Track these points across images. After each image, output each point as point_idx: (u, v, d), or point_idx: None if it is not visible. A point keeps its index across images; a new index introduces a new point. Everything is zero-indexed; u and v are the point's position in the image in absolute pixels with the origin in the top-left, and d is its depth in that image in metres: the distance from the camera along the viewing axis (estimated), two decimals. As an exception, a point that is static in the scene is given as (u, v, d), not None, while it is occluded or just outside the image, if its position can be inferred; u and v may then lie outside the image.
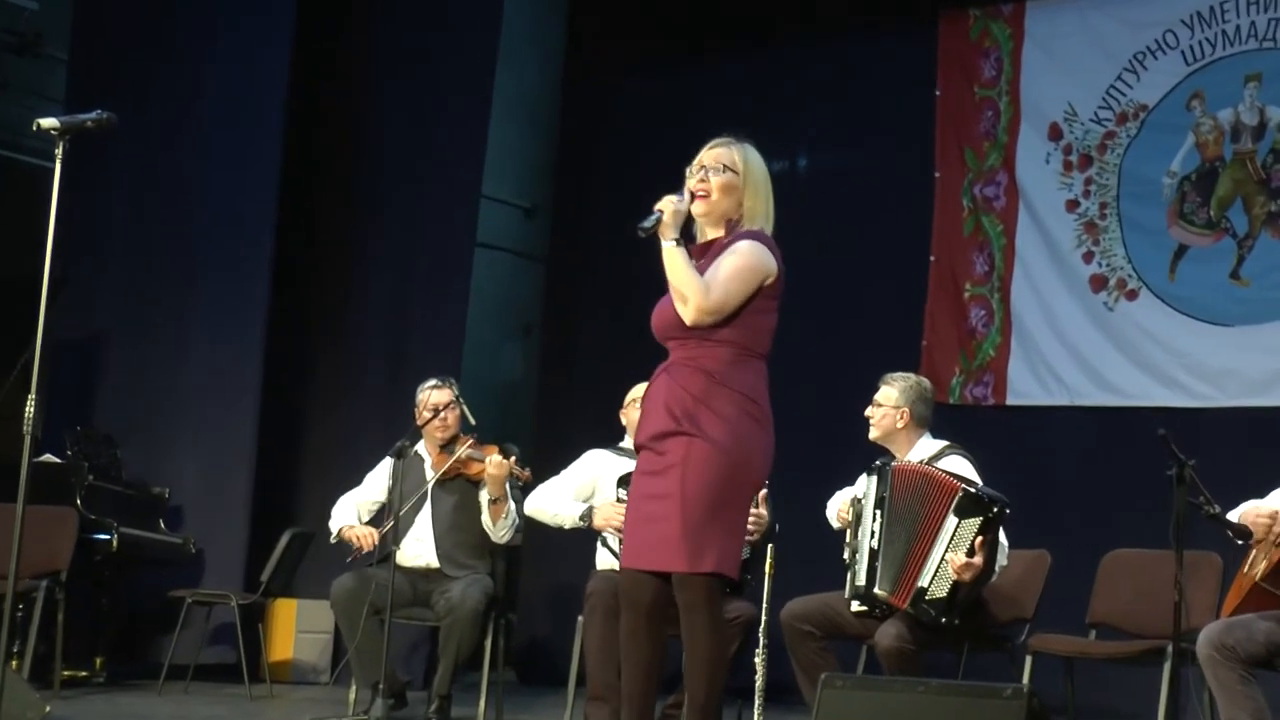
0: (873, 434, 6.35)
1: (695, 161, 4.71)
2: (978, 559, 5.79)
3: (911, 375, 6.43)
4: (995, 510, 5.83)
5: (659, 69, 9.97)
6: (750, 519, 6.13)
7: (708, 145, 4.73)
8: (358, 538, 7.05)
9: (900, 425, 6.32)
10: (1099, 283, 8.40)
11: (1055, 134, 8.61)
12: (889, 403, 6.33)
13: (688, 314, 4.50)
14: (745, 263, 4.54)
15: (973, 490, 5.87)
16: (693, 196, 4.63)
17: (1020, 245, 8.63)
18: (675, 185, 4.86)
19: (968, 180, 8.80)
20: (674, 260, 4.52)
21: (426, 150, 9.37)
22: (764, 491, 6.24)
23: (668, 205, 4.53)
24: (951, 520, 5.83)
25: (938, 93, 8.96)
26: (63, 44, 9.54)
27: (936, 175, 8.89)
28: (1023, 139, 8.69)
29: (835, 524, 6.38)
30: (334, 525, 7.25)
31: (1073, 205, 8.53)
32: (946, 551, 5.82)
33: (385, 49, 9.56)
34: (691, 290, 4.48)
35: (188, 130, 9.10)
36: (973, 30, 8.93)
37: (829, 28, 9.28)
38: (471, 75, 9.33)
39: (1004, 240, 8.66)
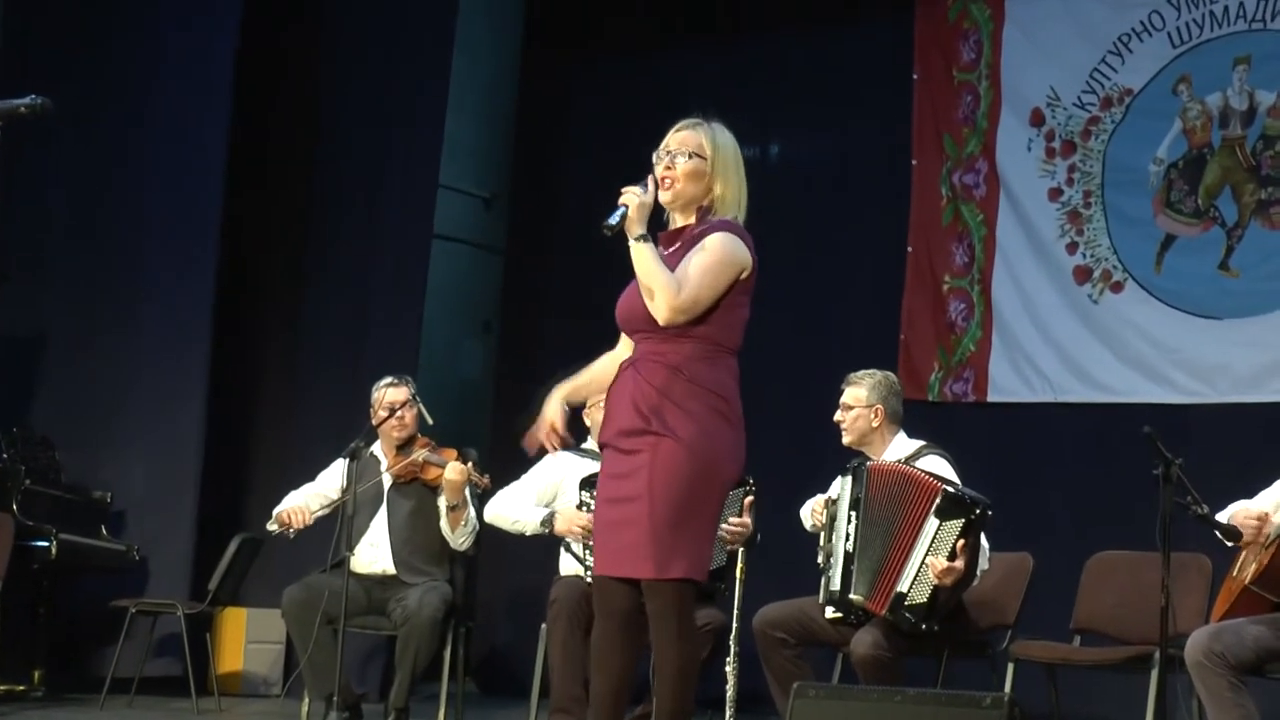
0: (846, 439, 6.36)
1: (662, 144, 4.67)
2: (959, 563, 5.82)
3: (876, 371, 6.45)
4: (978, 512, 5.86)
5: (623, 53, 9.97)
6: (734, 526, 6.15)
7: (675, 127, 4.69)
8: (288, 513, 7.02)
9: (875, 424, 6.33)
10: (1083, 274, 8.43)
11: (1037, 119, 8.64)
12: (859, 403, 6.34)
13: (659, 313, 4.48)
14: (718, 257, 4.52)
15: (954, 491, 5.90)
16: (657, 185, 4.60)
17: (1001, 235, 8.64)
18: (639, 174, 4.85)
19: (946, 168, 8.82)
20: (642, 258, 4.49)
21: (382, 139, 9.38)
22: (749, 498, 6.26)
23: (632, 199, 4.49)
24: (932, 522, 5.85)
25: (915, 77, 8.96)
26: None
27: (914, 163, 8.90)
28: (1003, 125, 8.71)
29: (809, 525, 6.40)
30: (278, 506, 7.21)
31: (1055, 194, 8.55)
32: (927, 555, 5.84)
33: (338, 36, 9.56)
34: (662, 288, 4.46)
35: (132, 121, 9.07)
36: (951, 12, 8.94)
37: (802, 9, 9.29)
38: (428, 61, 9.33)
39: (984, 230, 8.68)
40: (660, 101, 9.22)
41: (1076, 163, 8.53)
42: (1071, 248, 8.47)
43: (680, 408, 4.49)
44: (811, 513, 6.38)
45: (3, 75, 9.15)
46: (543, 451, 6.85)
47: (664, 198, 4.61)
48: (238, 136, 9.02)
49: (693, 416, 4.48)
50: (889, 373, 6.49)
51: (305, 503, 7.14)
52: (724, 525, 6.04)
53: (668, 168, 4.61)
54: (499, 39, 10.64)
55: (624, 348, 4.79)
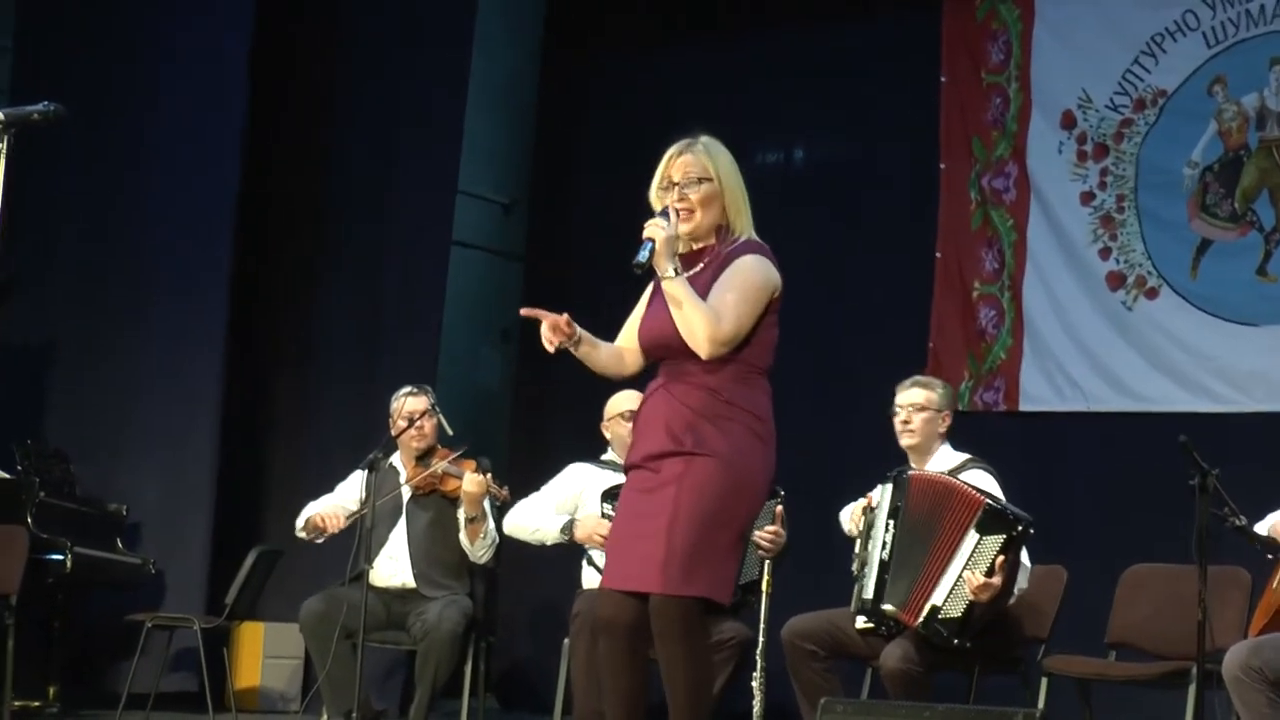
0: (909, 441, 6.39)
1: (659, 173, 4.68)
2: (996, 579, 5.82)
3: (935, 379, 6.50)
4: (1019, 529, 5.86)
5: (644, 55, 9.97)
6: (768, 535, 6.16)
7: (668, 154, 4.69)
8: (323, 518, 7.05)
9: (941, 430, 6.43)
10: (1116, 280, 8.41)
11: (1068, 122, 8.62)
12: (932, 405, 6.40)
13: (702, 348, 4.51)
14: (753, 282, 4.57)
15: (996, 505, 5.90)
16: (678, 212, 4.60)
17: (1032, 241, 8.62)
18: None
19: (975, 172, 8.80)
20: (678, 294, 4.51)
21: (398, 143, 9.39)
22: (780, 508, 6.27)
23: (657, 233, 4.49)
24: (972, 536, 5.86)
25: (943, 79, 8.94)
26: (7, 30, 9.54)
27: (942, 167, 8.88)
28: (1034, 128, 8.69)
29: (847, 528, 6.41)
30: (300, 521, 7.24)
31: (1088, 198, 8.53)
32: (964, 569, 5.85)
33: (353, 37, 9.58)
34: (703, 323, 4.49)
35: (143, 125, 9.12)
36: (979, 11, 8.93)
37: (825, 9, 9.28)
38: (445, 63, 9.34)
39: (1014, 235, 8.66)
40: (684, 103, 9.24)
41: (1109, 166, 8.51)
42: (1104, 253, 8.46)
43: (716, 426, 4.53)
44: (851, 516, 6.39)
45: (14, 79, 9.24)
46: (562, 461, 6.97)
47: (683, 229, 4.62)
48: (251, 141, 9.05)
49: (729, 435, 4.52)
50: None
51: (337, 507, 7.16)
52: (758, 535, 6.07)
53: (681, 199, 4.62)
54: (517, 38, 10.65)
55: (626, 347, 4.81)
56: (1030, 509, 6.05)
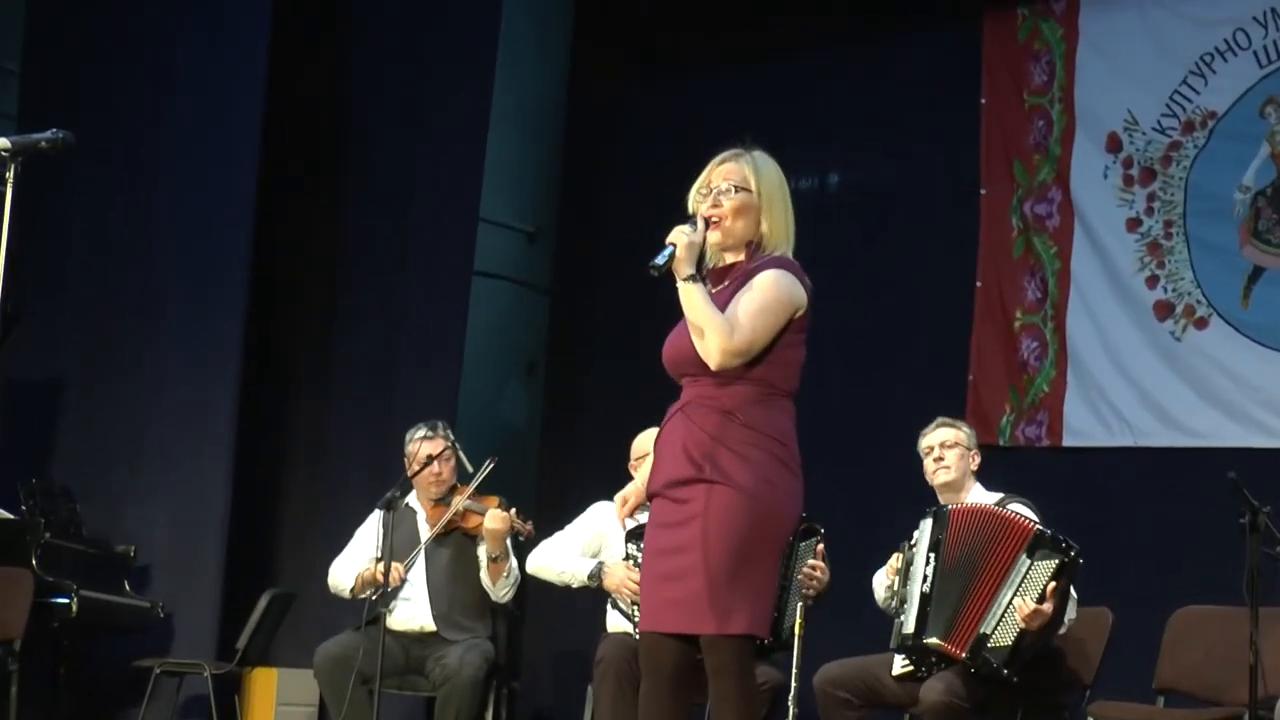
0: (945, 477, 6.44)
1: (701, 178, 4.70)
2: (1047, 606, 5.84)
3: (959, 420, 6.66)
4: (1072, 554, 5.88)
5: (675, 76, 9.99)
6: (814, 573, 6.17)
7: (714, 160, 4.71)
8: (378, 575, 7.04)
9: (974, 467, 6.49)
10: (1164, 310, 8.39)
11: (1114, 145, 8.62)
12: (962, 443, 6.47)
13: (711, 357, 4.49)
14: (772, 295, 4.55)
15: (1048, 531, 5.92)
16: (706, 223, 4.61)
17: (1076, 269, 8.60)
18: (688, 204, 4.87)
19: (1017, 197, 8.80)
20: (692, 299, 4.50)
21: (418, 169, 9.43)
22: (820, 546, 6.28)
23: (680, 238, 4.50)
24: (1023, 561, 5.89)
25: (983, 101, 8.95)
26: (14, 55, 9.61)
27: (982, 192, 8.88)
28: (1078, 151, 8.68)
29: (881, 596, 6.41)
30: (343, 582, 7.27)
31: (1134, 224, 8.52)
32: (1014, 595, 5.86)
33: (371, 59, 9.62)
34: (714, 330, 4.47)
35: (153, 153, 9.16)
36: (1021, 31, 8.94)
37: (861, 29, 9.29)
38: (468, 86, 9.37)
39: (1058, 263, 8.65)
40: (717, 125, 9.13)
41: (1156, 191, 8.50)
42: (1152, 281, 8.44)
43: (736, 453, 4.50)
44: (887, 571, 6.39)
45: (21, 105, 9.30)
46: (590, 499, 6.98)
47: (713, 238, 4.63)
48: (266, 168, 9.09)
49: (750, 462, 4.49)
50: None
51: (370, 562, 7.19)
52: (802, 574, 6.07)
53: (714, 205, 4.63)
54: (543, 59, 10.67)
55: None
56: (1075, 547, 6.04)
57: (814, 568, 6.23)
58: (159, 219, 9.14)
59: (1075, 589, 6.14)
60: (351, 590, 7.28)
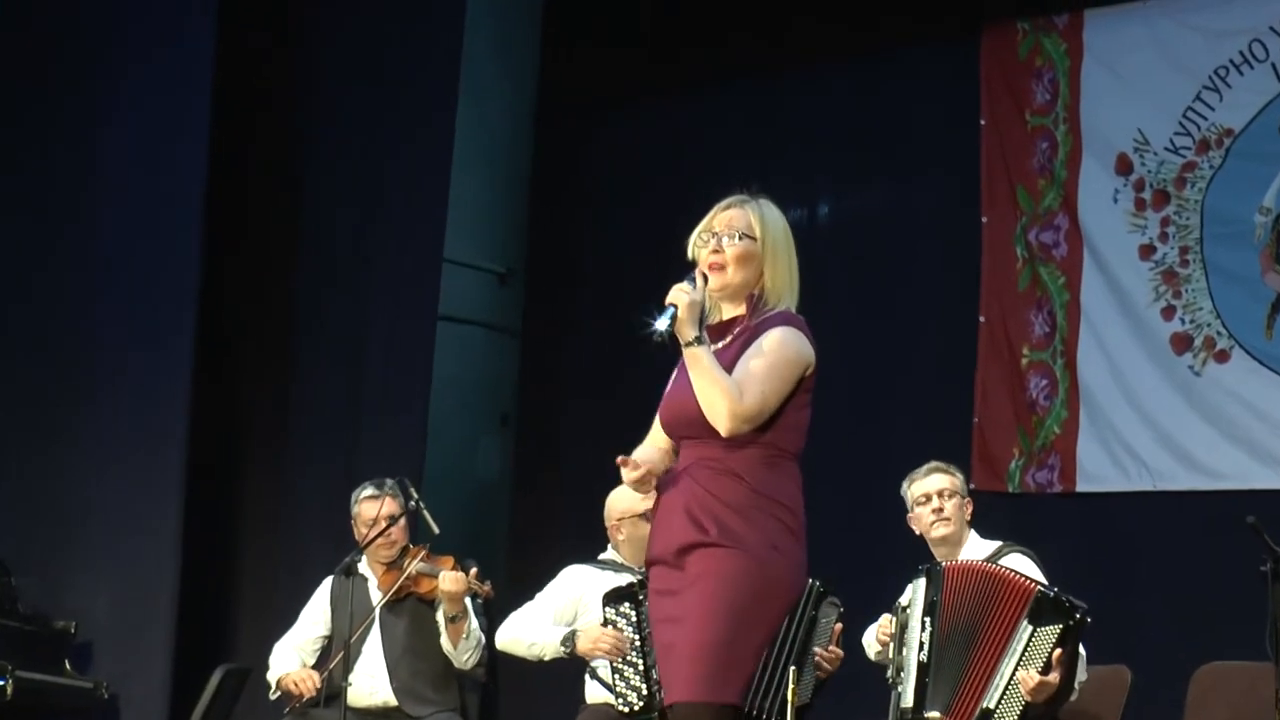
0: (945, 530, 6.45)
1: (703, 224, 4.77)
2: (1054, 676, 5.81)
3: (949, 464, 6.57)
4: (1078, 617, 5.84)
5: (652, 106, 10.00)
6: (829, 656, 6.16)
7: (717, 206, 4.80)
8: (295, 683, 7.10)
9: (968, 515, 6.50)
10: (1182, 343, 8.39)
11: (1124, 167, 8.64)
12: (959, 490, 6.50)
13: (722, 423, 4.55)
14: (782, 356, 4.62)
15: (1050, 592, 5.89)
16: (705, 277, 4.67)
17: (1086, 300, 8.62)
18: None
19: (1021, 225, 8.81)
20: (699, 364, 4.56)
21: (378, 207, 9.45)
22: (839, 625, 6.27)
23: (681, 298, 4.57)
24: (1024, 628, 5.86)
25: (982, 122, 8.97)
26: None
27: (984, 220, 8.90)
28: (1085, 174, 8.70)
29: (873, 653, 6.40)
30: (271, 676, 7.30)
31: (1148, 251, 8.53)
32: (1017, 666, 5.83)
33: (326, 90, 9.64)
34: (725, 396, 4.53)
35: (91, 191, 9.16)
36: (1022, 47, 8.96)
37: (850, 49, 9.31)
38: (429, 116, 9.40)
39: (1066, 295, 8.66)
40: (696, 158, 9.29)
41: (1170, 215, 8.51)
42: (1168, 312, 8.44)
43: (743, 517, 4.57)
44: (877, 634, 6.38)
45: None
46: (563, 561, 6.97)
47: (713, 285, 4.70)
48: (213, 206, 9.09)
49: (758, 527, 4.57)
50: None
51: (299, 658, 7.28)
52: (819, 655, 6.10)
53: (715, 251, 4.70)
54: (510, 89, 10.68)
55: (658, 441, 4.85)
56: (1090, 601, 6.01)
57: (834, 654, 6.20)
58: (98, 269, 9.15)
59: (1090, 646, 6.14)
60: (271, 692, 7.35)
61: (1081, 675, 6.10)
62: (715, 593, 4.51)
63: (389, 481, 7.43)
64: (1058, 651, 5.82)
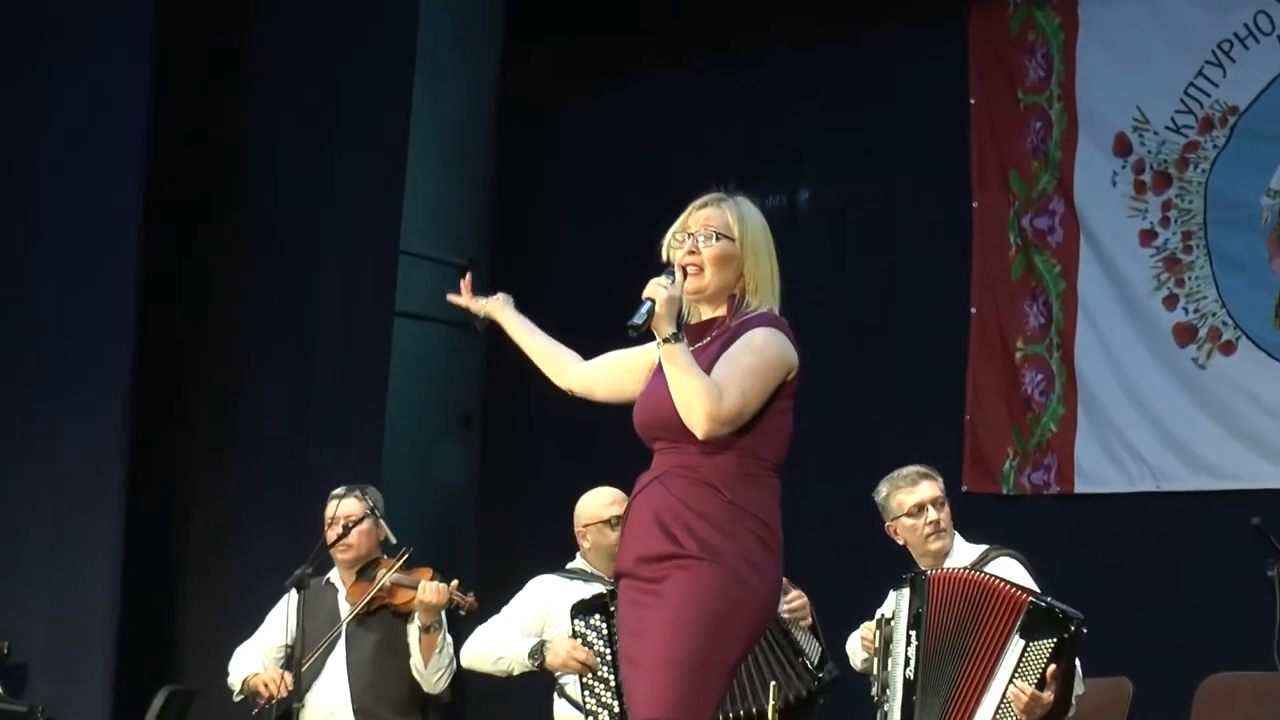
0: (941, 543, 6.46)
1: (678, 225, 4.78)
2: (1049, 693, 5.81)
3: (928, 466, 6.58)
4: (1073, 628, 5.85)
5: (619, 88, 10.00)
6: (792, 602, 6.19)
7: (692, 205, 4.81)
8: (264, 684, 7.08)
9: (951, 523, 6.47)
10: (1186, 334, 8.41)
11: (1122, 148, 8.64)
12: (944, 493, 6.51)
13: (698, 425, 4.54)
14: (763, 358, 4.61)
15: (1042, 603, 5.89)
16: (684, 273, 4.69)
17: (1084, 290, 8.63)
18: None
19: (1014, 210, 8.82)
20: (676, 362, 4.56)
21: (329, 196, 9.43)
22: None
23: (658, 293, 4.56)
24: (1016, 642, 5.87)
25: (972, 101, 8.98)
26: None
27: (974, 205, 8.91)
28: (1081, 155, 8.71)
29: (857, 662, 6.41)
30: (234, 679, 7.28)
31: (1149, 237, 8.55)
32: (1010, 683, 5.83)
33: (275, 73, 9.62)
34: (702, 397, 4.52)
35: (22, 189, 9.13)
36: (1013, 21, 8.97)
37: (831, 26, 9.30)
38: (384, 95, 9.40)
39: (1063, 284, 8.67)
40: (668, 143, 9.27)
41: (1172, 198, 8.52)
42: (1170, 302, 8.45)
43: (719, 529, 4.55)
44: (861, 641, 6.39)
45: None
46: (540, 570, 6.97)
47: (689, 287, 4.70)
48: (151, 204, 9.06)
49: (734, 540, 4.55)
50: None
51: (261, 663, 7.25)
52: (785, 608, 6.15)
53: (691, 252, 4.72)
54: (472, 68, 10.67)
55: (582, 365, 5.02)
56: (1089, 610, 6.03)
57: (794, 595, 6.23)
58: (32, 267, 9.12)
59: (1089, 658, 6.14)
60: (236, 694, 7.30)
61: (1079, 689, 6.10)
62: (685, 606, 4.50)
63: (362, 487, 7.42)
64: (1052, 666, 5.83)
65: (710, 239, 4.70)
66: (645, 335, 4.58)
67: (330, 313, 9.31)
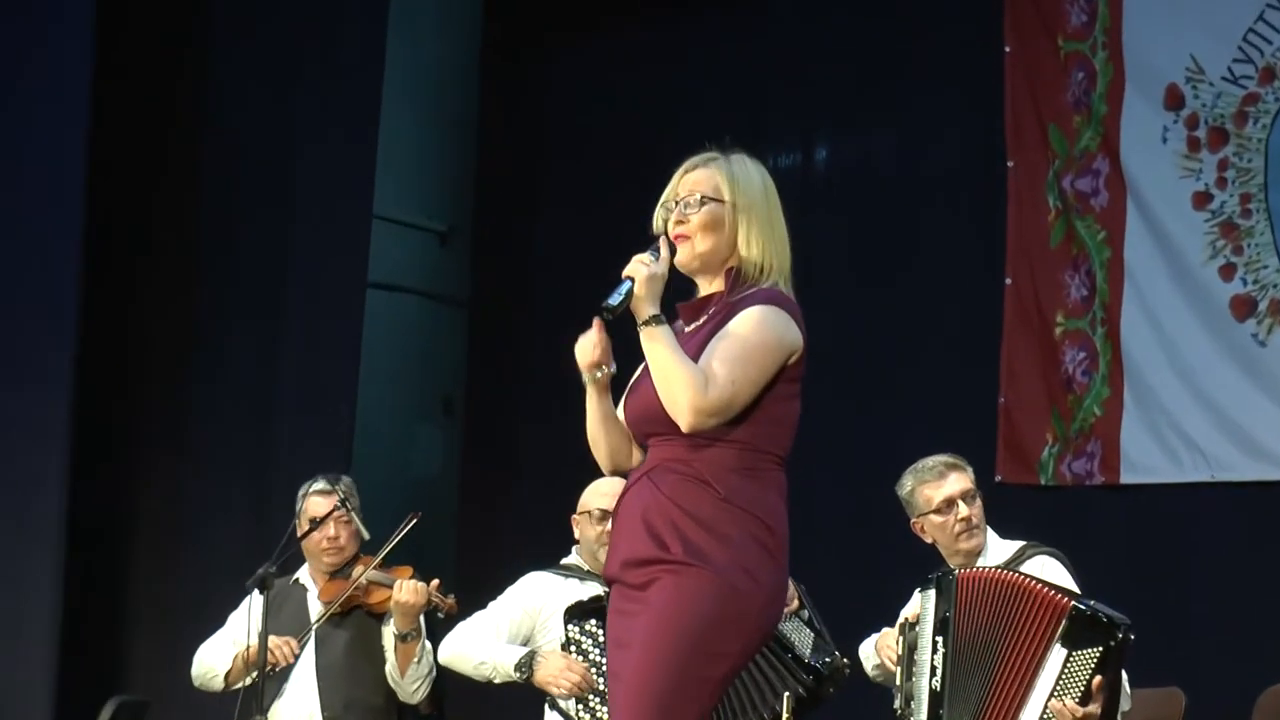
0: (975, 541, 6.45)
1: (668, 190, 4.71)
2: (1095, 707, 5.79)
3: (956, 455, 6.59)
4: (1120, 636, 5.81)
5: (614, 38, 10.02)
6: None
7: (682, 167, 4.73)
8: (274, 649, 7.01)
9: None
10: (1244, 307, 8.39)
11: (1174, 101, 8.62)
12: (976, 485, 6.49)
13: (681, 417, 4.48)
14: (757, 339, 4.53)
15: (1085, 609, 5.85)
16: (672, 248, 4.62)
17: (1130, 258, 8.62)
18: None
19: (1054, 170, 8.82)
20: (656, 346, 4.50)
21: (293, 153, 9.44)
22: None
23: (638, 270, 4.52)
24: (1058, 652, 5.83)
25: (1007, 49, 8.97)
26: None
27: (1010, 165, 8.90)
28: (1129, 110, 8.70)
29: (871, 669, 6.41)
30: (215, 667, 7.27)
31: (1203, 199, 8.52)
32: (1050, 697, 5.81)
33: (236, 18, 9.63)
34: (684, 385, 4.45)
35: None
36: (1053, -40, 8.98)
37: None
38: (356, 49, 9.41)
39: (1107, 252, 8.66)
40: (668, 98, 9.26)
41: (1229, 157, 8.49)
42: (1227, 271, 8.43)
43: (711, 532, 4.48)
44: (876, 649, 6.37)
45: None
46: (520, 568, 6.94)
47: (679, 258, 4.64)
48: (97, 161, 9.04)
49: (729, 543, 4.48)
50: None
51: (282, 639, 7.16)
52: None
53: (679, 221, 4.64)
54: (452, 22, 10.68)
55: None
56: (1136, 614, 5.98)
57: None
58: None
59: (1137, 667, 6.13)
60: (227, 676, 7.24)
61: (1125, 705, 6.08)
62: (669, 617, 4.44)
63: (344, 479, 7.40)
64: (1097, 679, 5.79)
65: (696, 204, 4.63)
66: (624, 316, 4.50)
67: (295, 281, 9.32)
